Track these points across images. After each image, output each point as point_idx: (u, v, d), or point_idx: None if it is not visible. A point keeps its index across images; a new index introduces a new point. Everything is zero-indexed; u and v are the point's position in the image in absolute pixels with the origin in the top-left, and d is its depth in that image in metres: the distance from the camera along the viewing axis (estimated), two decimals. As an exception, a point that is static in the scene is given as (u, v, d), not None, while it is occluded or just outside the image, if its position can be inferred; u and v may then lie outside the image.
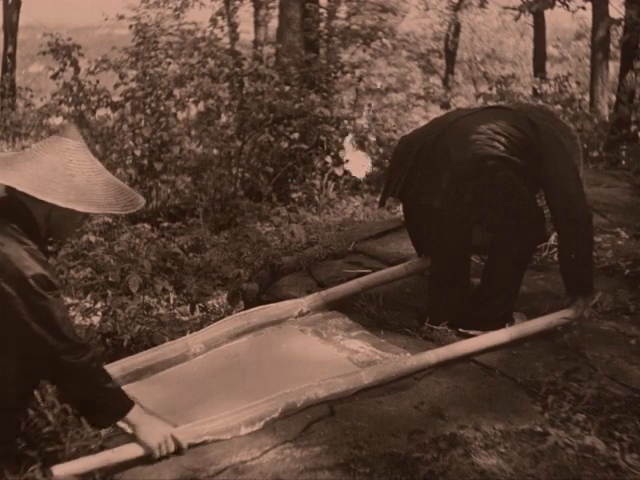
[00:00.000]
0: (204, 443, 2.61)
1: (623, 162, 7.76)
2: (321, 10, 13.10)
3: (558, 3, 10.72)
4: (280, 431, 2.67)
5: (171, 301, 4.53)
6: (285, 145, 7.95)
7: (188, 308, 4.44)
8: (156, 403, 2.86)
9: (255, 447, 2.58)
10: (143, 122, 7.71)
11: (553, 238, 4.35)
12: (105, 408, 2.59)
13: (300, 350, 3.34)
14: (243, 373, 3.15)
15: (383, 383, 2.97)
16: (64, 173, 2.59)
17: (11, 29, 15.03)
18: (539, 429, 2.65)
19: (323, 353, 3.31)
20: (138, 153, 7.45)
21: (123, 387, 2.73)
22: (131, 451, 2.53)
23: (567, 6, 11.11)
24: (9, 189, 2.59)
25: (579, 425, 2.67)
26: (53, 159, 2.61)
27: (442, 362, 3.12)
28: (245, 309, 3.85)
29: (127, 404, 2.60)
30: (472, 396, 2.90)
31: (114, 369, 2.98)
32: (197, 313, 4.35)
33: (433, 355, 3.13)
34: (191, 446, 2.59)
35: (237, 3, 16.54)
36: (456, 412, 2.78)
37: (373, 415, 2.77)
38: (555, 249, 4.30)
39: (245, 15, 16.71)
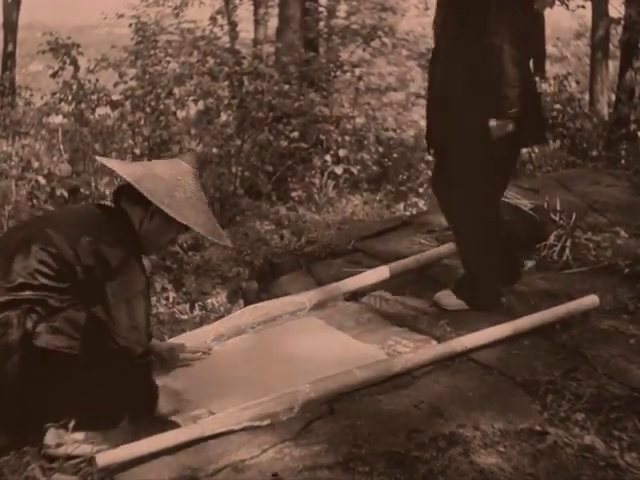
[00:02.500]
0: (244, 430, 2.65)
1: (623, 161, 7.76)
2: (321, 9, 13.08)
3: (558, 2, 10.74)
4: (279, 430, 2.67)
5: (170, 300, 4.53)
6: (285, 144, 7.95)
7: (187, 307, 4.45)
8: (183, 390, 2.95)
9: (254, 446, 2.59)
10: (143, 121, 7.71)
11: (553, 237, 4.36)
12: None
13: (319, 341, 3.39)
14: (264, 363, 3.19)
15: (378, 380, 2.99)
16: (168, 185, 2.75)
17: (11, 28, 15.03)
18: (538, 428, 2.65)
19: (344, 344, 3.35)
20: (138, 152, 7.45)
21: None
22: (170, 438, 2.57)
23: (567, 5, 11.13)
24: (115, 194, 2.85)
25: (578, 424, 2.67)
26: (163, 171, 2.79)
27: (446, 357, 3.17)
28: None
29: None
30: (471, 395, 2.90)
31: None
32: (196, 312, 4.36)
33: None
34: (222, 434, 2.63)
35: (237, 2, 16.53)
36: (455, 411, 2.78)
37: (372, 414, 2.77)
38: (554, 248, 4.31)
39: (245, 14, 16.69)
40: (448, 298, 3.56)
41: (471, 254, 3.57)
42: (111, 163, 2.94)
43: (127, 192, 2.79)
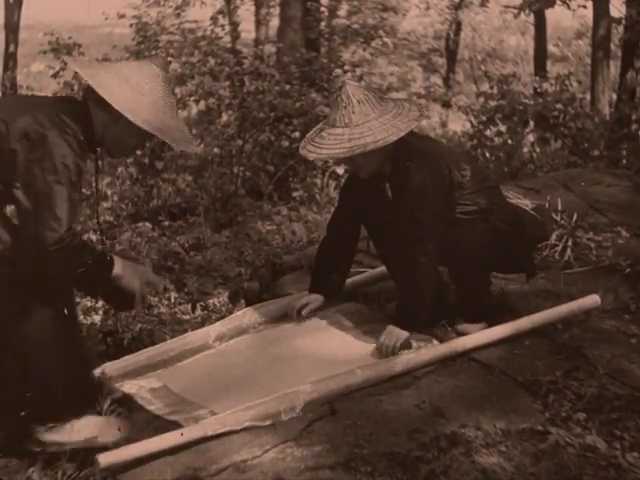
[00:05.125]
0: (245, 430, 2.64)
1: (624, 161, 7.76)
2: (322, 9, 13.10)
3: (559, 2, 10.74)
4: (281, 430, 2.68)
5: (172, 300, 4.52)
6: (286, 144, 7.96)
7: (189, 307, 4.44)
8: (184, 390, 2.97)
9: (256, 446, 2.59)
10: (144, 121, 7.70)
11: (554, 237, 4.36)
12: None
13: (320, 342, 3.39)
14: (265, 363, 3.19)
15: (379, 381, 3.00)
16: (135, 89, 2.67)
17: (12, 28, 15.02)
18: (540, 428, 2.66)
19: (345, 344, 3.35)
20: (139, 152, 7.44)
21: (148, 375, 2.89)
22: (172, 438, 2.57)
23: (568, 5, 11.13)
24: (84, 95, 2.76)
25: (580, 424, 2.67)
26: (130, 74, 2.70)
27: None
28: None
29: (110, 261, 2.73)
30: (473, 395, 2.90)
31: (140, 358, 3.15)
32: (198, 312, 4.35)
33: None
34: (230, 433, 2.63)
35: (238, 2, 16.53)
36: (457, 411, 2.78)
37: (374, 414, 2.77)
38: (555, 248, 4.31)
39: (246, 14, 16.70)
40: (468, 328, 3.41)
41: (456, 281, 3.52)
42: (75, 64, 2.91)
43: (93, 94, 2.68)
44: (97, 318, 3.98)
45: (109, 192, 6.91)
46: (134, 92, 2.67)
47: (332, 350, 3.30)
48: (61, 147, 2.55)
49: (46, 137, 2.53)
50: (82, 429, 2.65)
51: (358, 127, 3.12)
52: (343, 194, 3.66)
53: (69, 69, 7.98)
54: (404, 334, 3.22)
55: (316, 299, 3.55)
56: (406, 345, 3.22)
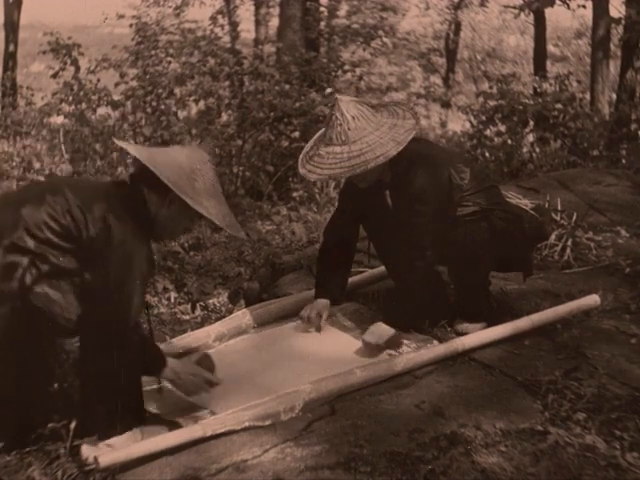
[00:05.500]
0: (245, 430, 2.65)
1: (623, 161, 7.75)
2: (322, 9, 13.12)
3: (558, 1, 10.73)
4: (281, 430, 2.68)
5: (172, 300, 4.53)
6: (286, 144, 7.95)
7: (189, 307, 4.44)
8: None
9: (256, 446, 2.59)
10: (144, 121, 7.72)
11: (553, 237, 4.36)
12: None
13: (320, 342, 3.39)
14: (265, 363, 3.20)
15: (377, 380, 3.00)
16: (189, 175, 2.72)
17: (12, 28, 15.03)
18: (539, 428, 2.66)
19: (345, 344, 3.35)
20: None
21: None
22: (172, 438, 2.57)
23: (567, 5, 11.13)
24: (133, 177, 2.79)
25: (579, 424, 2.67)
26: (182, 159, 2.76)
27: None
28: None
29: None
30: (472, 395, 2.90)
31: None
32: (198, 312, 4.35)
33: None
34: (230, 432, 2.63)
35: (237, 2, 16.53)
36: (456, 411, 2.78)
37: (374, 414, 2.77)
38: (555, 248, 4.31)
39: (246, 14, 16.70)
40: (468, 327, 3.42)
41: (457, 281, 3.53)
42: (130, 147, 2.92)
43: (145, 176, 2.74)
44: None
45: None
46: (189, 179, 2.72)
47: (332, 350, 3.30)
48: (137, 239, 2.62)
49: (123, 229, 2.59)
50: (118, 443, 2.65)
51: (356, 144, 3.14)
52: (342, 198, 3.66)
53: (68, 69, 8.01)
54: (390, 331, 3.25)
55: (324, 305, 3.55)
56: (394, 343, 3.23)
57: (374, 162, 3.10)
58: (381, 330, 3.26)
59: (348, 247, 3.61)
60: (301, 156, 3.31)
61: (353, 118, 3.16)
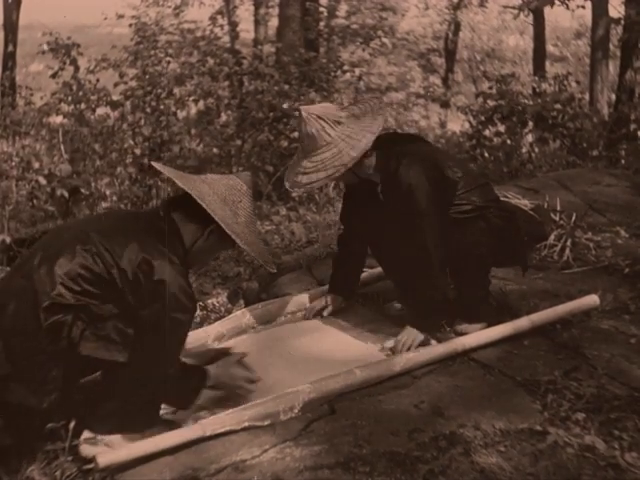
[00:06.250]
0: (244, 430, 2.65)
1: (623, 161, 7.75)
2: (321, 9, 13.12)
3: (557, 2, 10.77)
4: (280, 430, 2.68)
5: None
6: (285, 144, 7.95)
7: (188, 307, 4.43)
8: None
9: (255, 446, 2.59)
10: (143, 121, 7.71)
11: (553, 237, 4.36)
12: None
13: (319, 342, 3.39)
14: (264, 363, 3.18)
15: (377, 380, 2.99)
16: (231, 208, 2.73)
17: (11, 28, 15.05)
18: (539, 428, 2.66)
19: (345, 344, 3.36)
20: (138, 152, 7.44)
21: None
22: (171, 438, 2.57)
23: (567, 5, 11.15)
24: (165, 206, 2.77)
25: (579, 424, 2.68)
26: (226, 192, 2.76)
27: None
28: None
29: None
30: (472, 395, 2.90)
31: None
32: (197, 312, 4.35)
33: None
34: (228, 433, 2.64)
35: (237, 2, 16.55)
36: (456, 411, 2.78)
37: (373, 414, 2.77)
38: (554, 248, 4.31)
39: (245, 14, 16.74)
40: (468, 327, 3.43)
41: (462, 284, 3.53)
42: (173, 174, 2.80)
43: (182, 206, 2.72)
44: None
45: (108, 192, 6.90)
46: (234, 213, 2.73)
47: (332, 350, 3.30)
48: (175, 277, 2.59)
49: (161, 269, 2.56)
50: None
51: (330, 146, 3.14)
52: (344, 197, 3.68)
53: (67, 69, 8.00)
54: (421, 336, 3.26)
55: (335, 300, 3.59)
56: (424, 344, 3.26)
57: (361, 148, 3.11)
58: (414, 334, 3.26)
59: (360, 245, 3.64)
60: (286, 172, 3.32)
61: (319, 120, 3.14)
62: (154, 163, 2.89)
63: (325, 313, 3.60)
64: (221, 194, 2.74)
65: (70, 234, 2.68)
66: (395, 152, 3.22)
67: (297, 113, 3.37)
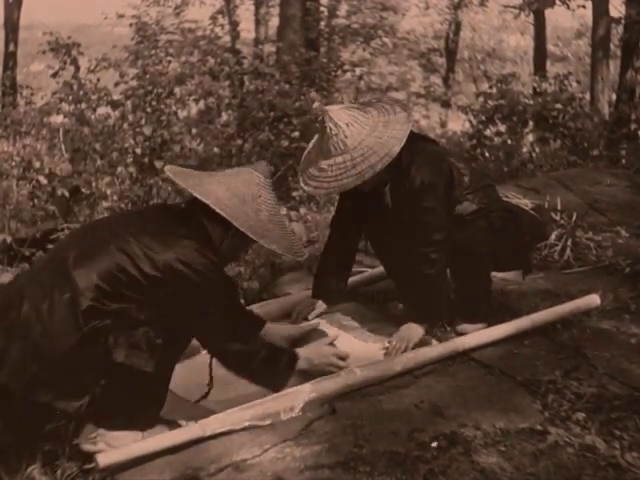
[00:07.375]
0: (245, 429, 2.65)
1: (623, 161, 7.76)
2: (322, 8, 13.12)
3: (558, 2, 10.75)
4: (280, 429, 2.68)
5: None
6: (285, 143, 7.96)
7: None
8: (184, 389, 2.94)
9: (256, 445, 2.59)
10: (144, 120, 7.70)
11: (553, 237, 4.36)
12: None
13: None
14: None
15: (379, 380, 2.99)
16: (252, 206, 2.69)
17: (12, 27, 15.06)
18: (539, 428, 2.66)
19: (345, 344, 3.32)
20: (139, 151, 7.43)
21: None
22: (171, 438, 2.57)
23: (567, 5, 11.14)
24: (190, 205, 2.72)
25: (579, 424, 2.68)
26: (244, 189, 2.70)
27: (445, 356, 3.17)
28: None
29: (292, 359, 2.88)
30: (472, 395, 2.90)
31: None
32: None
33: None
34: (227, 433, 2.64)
35: (237, 1, 16.55)
36: (456, 410, 2.78)
37: (373, 413, 2.77)
38: (555, 248, 4.31)
39: (246, 13, 16.72)
40: (468, 327, 3.41)
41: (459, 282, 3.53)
42: (187, 183, 2.69)
43: (206, 209, 2.65)
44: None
45: (108, 192, 6.89)
46: (254, 211, 2.69)
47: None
48: (217, 270, 2.64)
49: (204, 267, 2.57)
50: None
51: (356, 150, 3.08)
52: (341, 198, 3.64)
53: (68, 69, 8.00)
54: (421, 330, 3.25)
55: (320, 304, 3.54)
56: (422, 343, 3.24)
57: (380, 164, 3.05)
58: (414, 329, 3.25)
59: (349, 247, 3.59)
60: (301, 173, 3.25)
61: (347, 125, 3.09)
62: (166, 169, 2.80)
63: (310, 317, 3.50)
64: (239, 193, 2.69)
65: (105, 233, 2.64)
66: (405, 152, 3.19)
67: (321, 112, 3.33)
